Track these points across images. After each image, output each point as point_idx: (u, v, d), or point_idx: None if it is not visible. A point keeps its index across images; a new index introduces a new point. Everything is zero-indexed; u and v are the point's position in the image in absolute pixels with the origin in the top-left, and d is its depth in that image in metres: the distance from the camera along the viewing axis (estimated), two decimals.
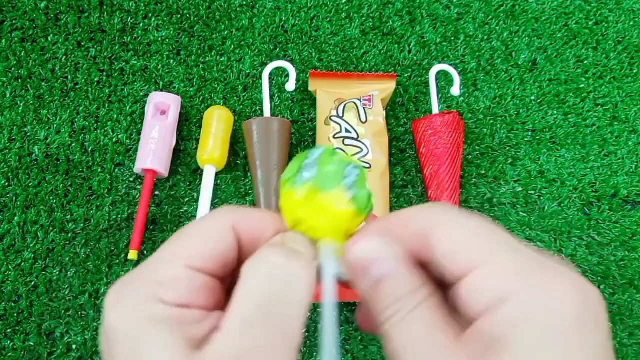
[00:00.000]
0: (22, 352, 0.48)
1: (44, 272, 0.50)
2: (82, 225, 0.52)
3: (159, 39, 0.57)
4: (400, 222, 0.22)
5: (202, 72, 0.56)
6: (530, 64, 0.59)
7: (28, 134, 0.53)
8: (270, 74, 0.55)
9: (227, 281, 0.23)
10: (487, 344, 0.18)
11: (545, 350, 0.18)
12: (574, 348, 0.18)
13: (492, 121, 0.57)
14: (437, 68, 0.55)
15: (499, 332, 0.18)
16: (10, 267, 0.50)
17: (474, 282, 0.19)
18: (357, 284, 0.22)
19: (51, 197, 0.52)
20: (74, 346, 0.49)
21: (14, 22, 0.56)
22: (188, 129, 0.55)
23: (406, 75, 0.58)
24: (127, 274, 0.22)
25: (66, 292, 0.50)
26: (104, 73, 0.56)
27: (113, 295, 0.21)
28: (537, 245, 0.53)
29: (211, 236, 0.22)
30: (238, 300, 0.20)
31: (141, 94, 0.55)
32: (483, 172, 0.55)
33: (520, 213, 0.54)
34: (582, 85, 0.58)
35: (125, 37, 0.57)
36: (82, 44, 0.56)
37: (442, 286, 0.22)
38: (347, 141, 0.52)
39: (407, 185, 0.55)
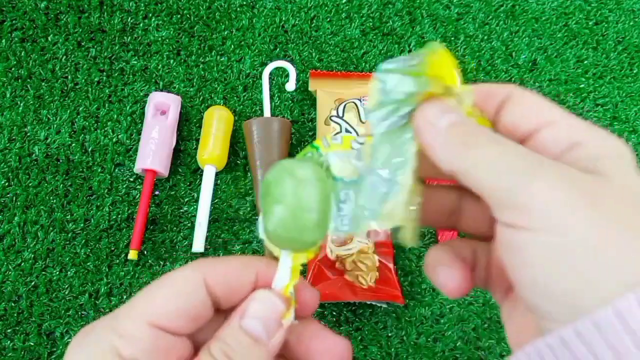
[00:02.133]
0: (22, 352, 0.48)
1: (44, 272, 0.50)
2: (82, 225, 0.52)
3: (159, 39, 0.57)
4: (484, 91, 0.24)
5: (202, 72, 0.56)
6: (530, 64, 0.59)
7: (28, 134, 0.53)
8: (270, 74, 0.55)
9: (199, 335, 0.23)
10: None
11: (628, 175, 0.21)
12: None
13: None
14: None
15: (584, 164, 0.21)
16: (10, 267, 0.50)
17: (552, 131, 0.22)
18: (427, 140, 0.22)
19: (51, 197, 0.52)
20: None
21: (14, 22, 0.56)
22: (188, 129, 0.55)
23: None
24: (94, 321, 0.22)
25: (66, 292, 0.50)
26: (104, 73, 0.56)
27: (75, 342, 0.21)
28: None
29: (179, 293, 0.22)
30: None
31: (141, 94, 0.55)
32: None
33: None
34: (582, 85, 0.58)
35: (125, 37, 0.57)
36: (82, 44, 0.56)
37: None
38: None
39: None
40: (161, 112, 0.53)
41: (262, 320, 0.21)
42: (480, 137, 0.21)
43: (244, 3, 0.59)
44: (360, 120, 0.53)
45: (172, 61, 0.56)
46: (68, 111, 0.54)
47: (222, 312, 0.24)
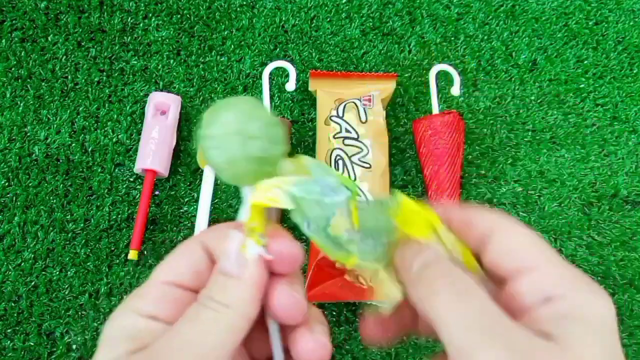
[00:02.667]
0: (22, 352, 0.48)
1: (44, 272, 0.50)
2: (82, 225, 0.52)
3: (159, 39, 0.57)
4: (465, 220, 0.25)
5: (202, 72, 0.56)
6: (530, 64, 0.59)
7: (28, 134, 0.53)
8: (270, 74, 0.55)
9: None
10: (538, 333, 0.21)
11: (589, 345, 0.20)
12: (610, 348, 0.20)
13: (492, 121, 0.57)
14: (437, 68, 0.55)
15: (549, 326, 0.20)
16: (10, 267, 0.50)
17: (529, 280, 0.22)
18: (402, 275, 0.24)
19: (51, 197, 0.52)
20: (74, 346, 0.49)
21: (14, 22, 0.56)
22: (188, 129, 0.55)
23: (406, 75, 0.58)
24: None
25: (66, 292, 0.50)
26: (104, 73, 0.56)
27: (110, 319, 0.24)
28: None
29: (182, 253, 0.25)
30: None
31: (141, 94, 0.55)
32: (483, 172, 0.55)
33: (520, 213, 0.54)
34: (582, 85, 0.58)
35: (125, 37, 0.57)
36: (82, 44, 0.56)
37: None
38: (347, 141, 0.52)
39: (407, 185, 0.55)
40: (161, 112, 0.53)
41: (228, 255, 0.23)
42: (446, 287, 0.22)
43: (244, 3, 0.59)
44: (360, 120, 0.53)
45: (172, 61, 0.56)
46: (68, 111, 0.54)
47: None
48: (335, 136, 0.52)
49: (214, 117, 0.24)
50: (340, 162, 0.51)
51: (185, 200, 0.53)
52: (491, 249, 0.24)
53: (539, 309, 0.21)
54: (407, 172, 0.55)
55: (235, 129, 0.24)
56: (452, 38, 0.59)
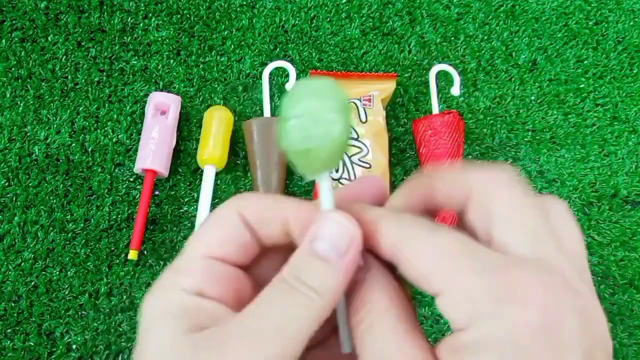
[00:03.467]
0: (22, 352, 0.48)
1: (44, 272, 0.50)
2: (82, 225, 0.52)
3: (159, 39, 0.57)
4: (447, 192, 0.23)
5: (202, 72, 0.56)
6: (530, 64, 0.59)
7: (28, 134, 0.53)
8: (270, 74, 0.55)
9: (259, 271, 0.24)
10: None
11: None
12: None
13: (492, 121, 0.57)
14: (437, 68, 0.55)
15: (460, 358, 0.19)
16: (10, 267, 0.50)
17: (443, 305, 0.20)
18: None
19: (51, 197, 0.52)
20: (74, 346, 0.49)
21: (14, 22, 0.56)
22: (188, 129, 0.55)
23: (406, 75, 0.58)
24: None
25: (66, 292, 0.50)
26: (104, 73, 0.56)
27: (151, 289, 0.23)
28: None
29: (220, 225, 0.23)
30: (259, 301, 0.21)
31: (141, 94, 0.55)
32: None
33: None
34: (582, 85, 0.58)
35: (125, 37, 0.57)
36: (82, 44, 0.56)
37: None
38: None
39: None
40: (161, 112, 0.53)
41: (330, 241, 0.22)
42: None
43: (244, 3, 0.59)
44: (360, 120, 0.53)
45: (172, 61, 0.56)
46: (68, 111, 0.54)
47: (274, 251, 0.24)
48: None
49: (300, 97, 0.22)
50: (340, 162, 0.51)
51: (185, 200, 0.53)
52: (404, 271, 0.22)
53: (446, 338, 0.20)
54: (407, 172, 0.55)
55: (325, 109, 0.22)
56: (452, 38, 0.59)
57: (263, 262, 0.24)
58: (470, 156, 0.56)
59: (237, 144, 0.55)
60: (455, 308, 0.19)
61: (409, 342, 0.20)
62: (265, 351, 0.19)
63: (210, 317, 0.21)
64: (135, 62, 0.56)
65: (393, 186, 0.54)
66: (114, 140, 0.54)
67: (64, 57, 0.56)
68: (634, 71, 0.59)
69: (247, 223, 0.23)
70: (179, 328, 0.20)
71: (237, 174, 0.54)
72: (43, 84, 0.55)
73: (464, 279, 0.19)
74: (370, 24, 0.59)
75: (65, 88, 0.55)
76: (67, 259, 0.51)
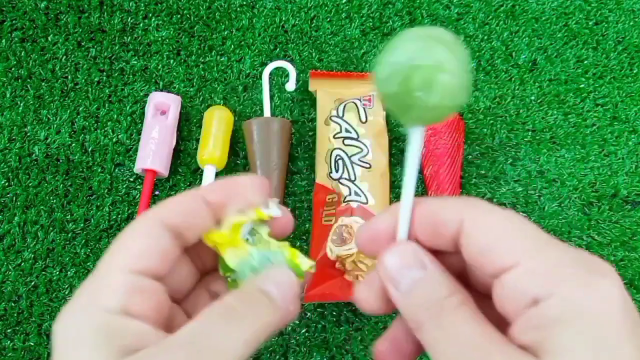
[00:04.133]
0: (22, 352, 0.48)
1: (44, 272, 0.50)
2: (82, 225, 0.52)
3: (159, 39, 0.57)
4: (430, 212, 0.23)
5: (202, 72, 0.56)
6: (530, 64, 0.59)
7: (28, 134, 0.53)
8: (270, 74, 0.55)
9: (173, 282, 0.24)
10: (528, 346, 0.18)
11: (580, 356, 0.17)
12: (610, 352, 0.17)
13: (492, 121, 0.57)
14: None
15: (536, 335, 0.18)
16: (10, 267, 0.50)
17: (511, 280, 0.19)
18: (390, 294, 0.23)
19: (51, 197, 0.52)
20: None
21: (14, 22, 0.56)
22: (188, 129, 0.55)
23: None
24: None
25: (66, 292, 0.50)
26: (104, 73, 0.56)
27: (63, 308, 0.21)
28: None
29: (140, 233, 0.22)
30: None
31: (141, 94, 0.55)
32: (483, 172, 0.55)
33: (521, 213, 0.54)
34: (582, 85, 0.58)
35: (125, 37, 0.57)
36: (82, 44, 0.56)
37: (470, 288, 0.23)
38: (347, 141, 0.52)
39: None
40: (161, 112, 0.53)
41: (280, 289, 0.23)
42: (445, 312, 0.20)
43: (244, 3, 0.59)
44: (360, 121, 0.53)
45: (172, 61, 0.56)
46: (68, 111, 0.54)
47: (190, 254, 0.25)
48: (335, 136, 0.52)
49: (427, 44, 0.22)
50: (340, 162, 0.51)
51: None
52: (464, 250, 0.21)
53: (525, 314, 0.19)
54: None
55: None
56: None
57: (176, 270, 0.24)
58: (470, 156, 0.56)
59: (237, 144, 0.55)
60: (534, 279, 0.19)
61: (487, 327, 0.20)
62: None
63: (138, 338, 0.20)
64: (135, 62, 0.56)
65: (393, 186, 0.54)
66: (114, 140, 0.54)
67: (64, 57, 0.56)
68: (634, 71, 0.59)
69: (172, 228, 0.23)
70: (104, 352, 0.19)
71: (237, 174, 0.54)
72: (43, 84, 0.55)
73: (541, 249, 0.19)
74: (370, 24, 0.59)
75: (65, 88, 0.55)
76: (67, 259, 0.51)
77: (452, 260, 0.23)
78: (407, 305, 0.22)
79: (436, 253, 0.23)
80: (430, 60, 0.21)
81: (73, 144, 0.53)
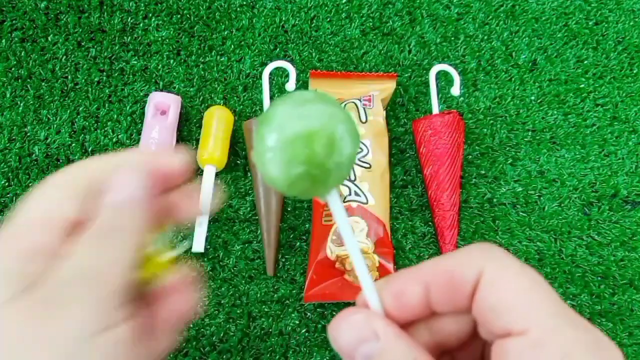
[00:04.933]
0: None
1: None
2: None
3: (159, 39, 0.57)
4: (444, 272, 0.21)
5: (202, 72, 0.56)
6: (530, 64, 0.59)
7: (28, 134, 0.53)
8: (270, 74, 0.55)
9: None
10: None
11: None
12: None
13: (492, 121, 0.57)
14: (437, 68, 0.55)
15: None
16: None
17: (515, 348, 0.18)
18: None
19: None
20: None
21: (14, 22, 0.56)
22: (188, 129, 0.55)
23: (406, 75, 0.58)
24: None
25: None
26: (104, 73, 0.56)
27: None
28: (537, 246, 0.53)
29: (62, 186, 0.24)
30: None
31: (141, 94, 0.55)
32: (483, 172, 0.55)
33: (520, 213, 0.54)
34: (582, 85, 0.58)
35: (125, 37, 0.57)
36: (82, 44, 0.56)
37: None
38: None
39: (407, 185, 0.55)
40: (161, 112, 0.53)
41: (123, 193, 0.24)
42: None
43: (244, 3, 0.59)
44: (360, 120, 0.53)
45: (172, 61, 0.56)
46: (68, 111, 0.54)
47: None
48: None
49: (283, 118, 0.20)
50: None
51: None
52: (475, 304, 0.20)
53: None
54: (407, 172, 0.55)
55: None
56: (452, 38, 0.59)
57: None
58: (470, 156, 0.56)
59: (237, 144, 0.55)
60: (540, 354, 0.18)
61: None
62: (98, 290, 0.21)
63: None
64: (135, 62, 0.56)
65: (393, 186, 0.54)
66: (114, 140, 0.54)
67: (64, 57, 0.56)
68: (634, 71, 0.59)
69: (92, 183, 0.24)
70: (11, 292, 0.21)
71: (237, 174, 0.54)
72: (43, 84, 0.55)
73: (553, 322, 0.18)
74: (370, 24, 0.59)
75: (65, 88, 0.55)
76: None
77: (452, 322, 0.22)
78: None
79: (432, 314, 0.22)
80: (312, 123, 0.19)
81: (73, 144, 0.53)
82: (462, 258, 0.21)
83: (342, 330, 0.21)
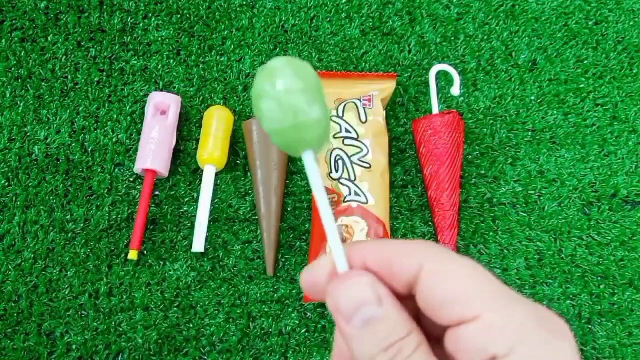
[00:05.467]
0: (22, 352, 0.48)
1: (44, 272, 0.50)
2: (82, 225, 0.52)
3: (159, 39, 0.57)
4: (384, 258, 0.21)
5: (202, 72, 0.56)
6: (530, 64, 0.59)
7: (28, 134, 0.53)
8: None
9: None
10: None
11: None
12: None
13: (492, 121, 0.57)
14: (437, 68, 0.55)
15: None
16: (10, 267, 0.50)
17: (469, 334, 0.19)
18: (339, 327, 0.21)
19: (51, 197, 0.52)
20: (74, 346, 0.49)
21: (14, 22, 0.56)
22: (188, 129, 0.55)
23: (406, 75, 0.58)
24: None
25: (66, 292, 0.50)
26: (104, 73, 0.56)
27: None
28: (537, 246, 0.53)
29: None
30: None
31: (141, 94, 0.55)
32: (483, 172, 0.55)
33: (520, 213, 0.54)
34: (582, 85, 0.58)
35: (125, 37, 0.57)
36: (82, 44, 0.56)
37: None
38: (347, 141, 0.52)
39: (407, 185, 0.55)
40: (161, 112, 0.53)
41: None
42: (403, 355, 0.19)
43: (244, 3, 0.59)
44: (360, 121, 0.53)
45: (172, 61, 0.56)
46: (68, 111, 0.54)
47: None
48: (335, 136, 0.52)
49: (279, 73, 0.22)
50: (340, 162, 0.51)
51: (185, 200, 0.53)
52: (419, 296, 0.20)
53: None
54: (407, 172, 0.55)
55: (301, 88, 0.21)
56: (452, 38, 0.59)
57: None
58: (470, 156, 0.56)
59: (237, 144, 0.55)
60: (494, 335, 0.18)
61: None
62: None
63: None
64: (135, 62, 0.56)
65: (393, 186, 0.54)
66: (114, 140, 0.54)
67: (64, 57, 0.56)
68: (634, 71, 0.59)
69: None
70: None
71: (237, 174, 0.54)
72: (43, 84, 0.55)
73: (502, 304, 0.19)
74: (370, 24, 0.59)
75: (65, 88, 0.55)
76: (67, 259, 0.51)
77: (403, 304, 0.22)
78: (360, 343, 0.20)
79: None
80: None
81: (73, 144, 0.53)
82: (403, 248, 0.21)
83: (346, 289, 0.21)
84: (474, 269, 0.20)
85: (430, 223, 0.54)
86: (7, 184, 0.52)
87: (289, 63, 0.22)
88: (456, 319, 0.19)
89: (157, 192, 0.53)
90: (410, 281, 0.20)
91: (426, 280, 0.20)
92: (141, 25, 0.57)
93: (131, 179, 0.53)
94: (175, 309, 0.50)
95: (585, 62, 0.59)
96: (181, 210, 0.52)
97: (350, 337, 0.21)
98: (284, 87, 0.21)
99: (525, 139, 0.56)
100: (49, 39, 0.56)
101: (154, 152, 0.51)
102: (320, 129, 0.22)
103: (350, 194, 0.50)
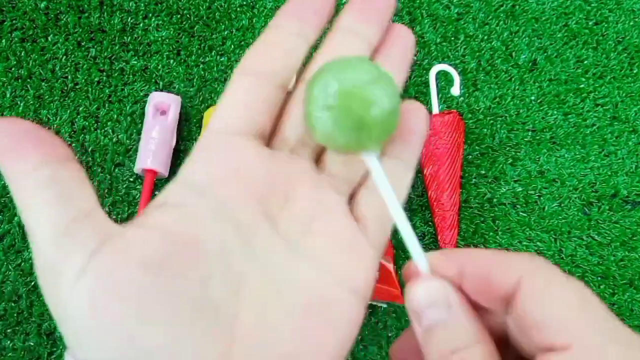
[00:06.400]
0: (22, 352, 0.48)
1: None
2: None
3: (159, 39, 0.57)
4: (483, 267, 0.21)
5: (202, 72, 0.56)
6: (530, 64, 0.59)
7: None
8: None
9: None
10: None
11: None
12: None
13: (492, 121, 0.57)
14: (437, 68, 0.55)
15: None
16: (10, 267, 0.50)
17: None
18: (413, 326, 0.22)
19: None
20: None
21: (14, 22, 0.56)
22: (188, 129, 0.55)
23: None
24: None
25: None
26: (104, 73, 0.56)
27: None
28: (537, 246, 0.53)
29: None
30: None
31: (141, 94, 0.55)
32: (483, 172, 0.55)
33: (520, 213, 0.54)
34: (582, 85, 0.58)
35: (125, 37, 0.57)
36: (82, 44, 0.56)
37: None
38: None
39: None
40: (161, 112, 0.53)
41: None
42: None
43: (244, 3, 0.59)
44: None
45: (172, 61, 0.56)
46: (68, 111, 0.54)
47: None
48: None
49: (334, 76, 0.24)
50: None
51: None
52: (515, 314, 0.20)
53: None
54: None
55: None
56: (452, 38, 0.59)
57: None
58: (470, 156, 0.56)
59: None
60: None
61: None
62: None
63: None
64: (135, 62, 0.56)
65: None
66: (114, 140, 0.54)
67: (64, 57, 0.56)
68: (634, 71, 0.59)
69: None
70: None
71: None
72: (43, 84, 0.55)
73: (600, 340, 0.18)
74: None
75: (65, 88, 0.55)
76: None
77: (492, 320, 0.22)
78: (427, 343, 0.21)
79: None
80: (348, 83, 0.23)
81: (73, 144, 0.53)
82: (504, 259, 0.21)
83: (418, 289, 0.21)
84: (580, 293, 0.19)
85: (430, 223, 0.54)
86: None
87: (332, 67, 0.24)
88: (547, 344, 0.18)
89: (157, 193, 0.53)
90: (508, 294, 0.20)
91: (523, 297, 0.19)
92: (141, 25, 0.57)
93: (131, 179, 0.53)
94: None
95: (585, 62, 0.59)
96: None
97: (419, 335, 0.21)
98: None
99: (525, 139, 0.56)
100: (49, 39, 0.56)
101: (153, 152, 0.51)
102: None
103: None
